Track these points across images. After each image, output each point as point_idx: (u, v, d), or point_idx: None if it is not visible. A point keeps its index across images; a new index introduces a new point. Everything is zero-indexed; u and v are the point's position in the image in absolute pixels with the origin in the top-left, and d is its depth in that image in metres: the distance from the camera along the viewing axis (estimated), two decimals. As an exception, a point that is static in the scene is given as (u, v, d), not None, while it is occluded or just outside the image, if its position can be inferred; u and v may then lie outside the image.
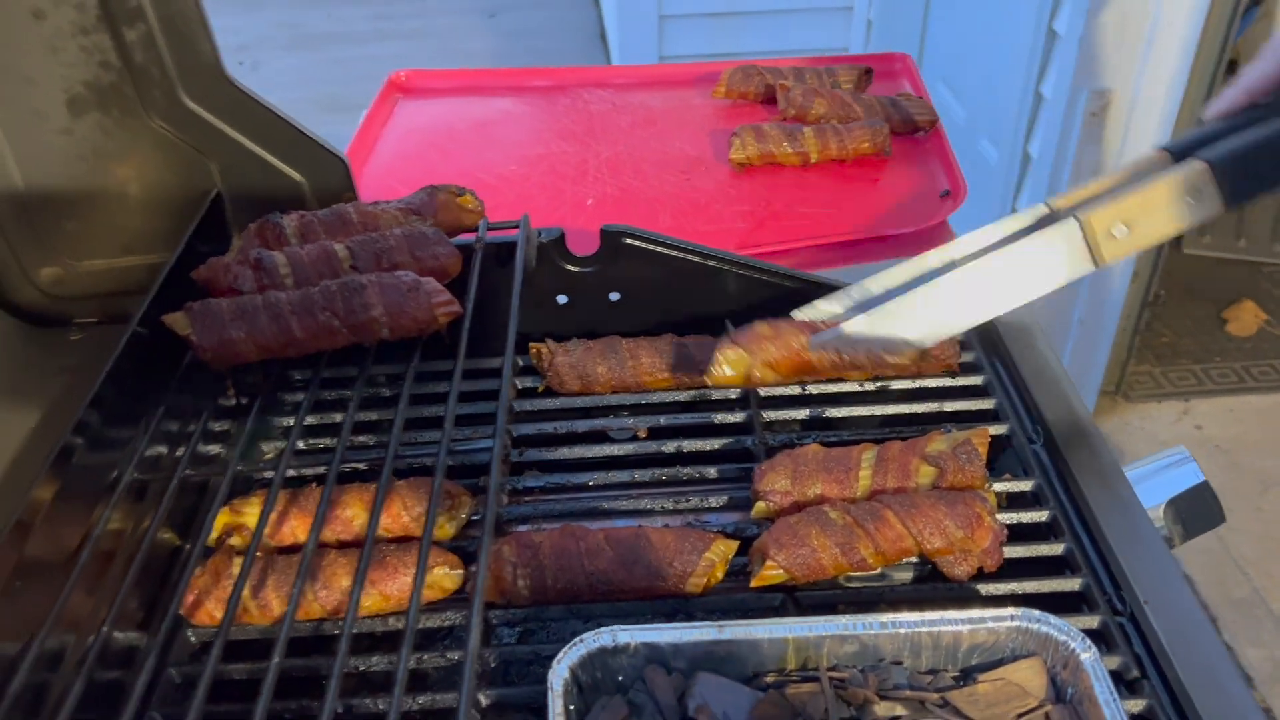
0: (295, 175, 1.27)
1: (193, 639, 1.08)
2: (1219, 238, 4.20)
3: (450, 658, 1.05)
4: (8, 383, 1.31)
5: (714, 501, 1.21)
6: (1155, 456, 1.26)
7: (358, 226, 1.14)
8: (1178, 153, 1.06)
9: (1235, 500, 3.21)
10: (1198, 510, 1.22)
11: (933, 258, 1.14)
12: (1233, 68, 4.21)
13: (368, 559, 0.86)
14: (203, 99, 1.22)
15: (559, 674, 0.92)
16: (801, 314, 1.18)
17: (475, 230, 1.24)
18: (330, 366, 1.12)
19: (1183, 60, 2.73)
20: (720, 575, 1.10)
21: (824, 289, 1.40)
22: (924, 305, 1.09)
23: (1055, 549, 1.12)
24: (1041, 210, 1.11)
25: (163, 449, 1.03)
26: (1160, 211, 1.01)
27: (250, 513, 1.13)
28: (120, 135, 1.24)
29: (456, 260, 1.12)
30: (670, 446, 1.28)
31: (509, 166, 1.81)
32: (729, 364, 1.24)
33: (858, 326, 1.12)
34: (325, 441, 1.13)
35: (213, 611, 1.06)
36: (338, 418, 1.12)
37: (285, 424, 1.16)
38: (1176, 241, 4.19)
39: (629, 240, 1.35)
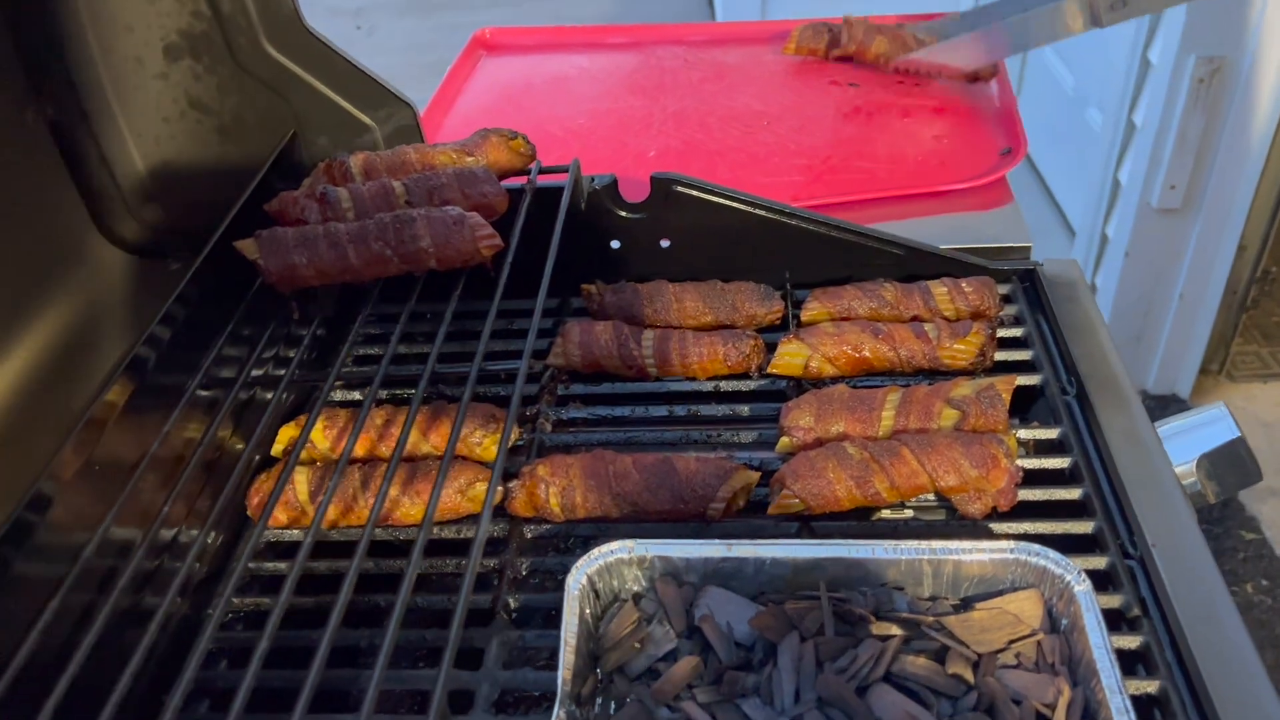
0: (366, 119, 1.36)
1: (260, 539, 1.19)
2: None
3: (485, 564, 1.14)
4: (115, 308, 1.44)
5: (744, 437, 1.26)
6: (1192, 413, 1.26)
7: (415, 165, 1.22)
8: None
9: (1336, 485, 3.09)
10: (1232, 466, 1.22)
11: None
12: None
13: (394, 467, 0.94)
14: (284, 47, 1.32)
15: (577, 580, 0.99)
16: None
17: (526, 174, 1.31)
18: (384, 301, 1.21)
19: (1299, 25, 2.62)
20: (741, 504, 1.15)
21: (872, 240, 1.43)
22: (973, 42, 1.72)
23: (1073, 493, 1.14)
24: None
25: (230, 366, 1.13)
26: None
27: (315, 428, 1.24)
28: (209, 80, 1.34)
29: (503, 198, 1.19)
30: (708, 385, 1.34)
31: (577, 120, 1.88)
32: (790, 355, 1.29)
33: (928, 54, 1.78)
34: (370, 369, 1.22)
35: (275, 514, 1.17)
36: (385, 345, 1.21)
37: (339, 349, 1.26)
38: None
39: (679, 188, 1.40)
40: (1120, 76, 2.99)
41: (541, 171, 1.32)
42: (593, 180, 1.40)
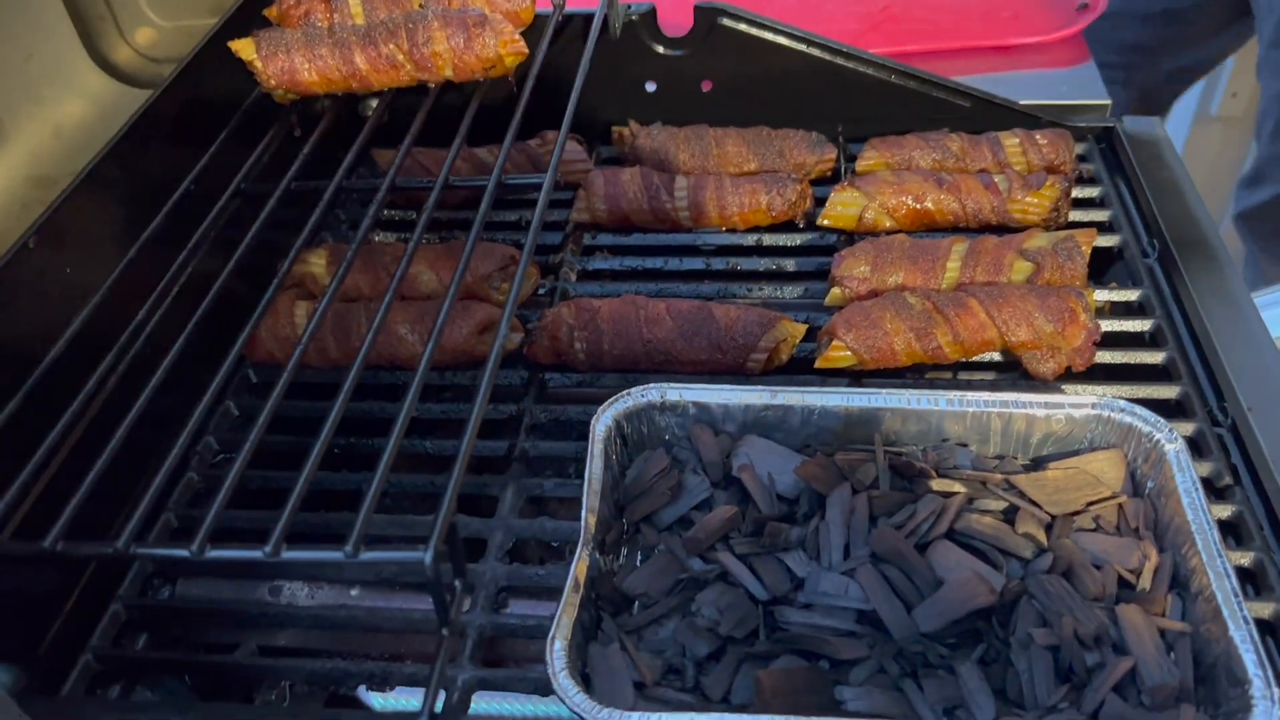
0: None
1: (253, 378, 1.10)
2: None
3: (502, 410, 1.04)
4: (102, 138, 1.33)
5: (788, 293, 1.15)
6: (1287, 282, 1.13)
7: (434, -30, 1.09)
8: None
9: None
10: (1330, 339, 1.10)
11: None
12: None
13: (392, 295, 0.83)
14: None
15: (603, 422, 0.89)
16: None
17: (558, -7, 1.17)
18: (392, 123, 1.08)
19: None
20: (785, 357, 1.05)
21: (941, 89, 1.30)
22: None
23: (1155, 357, 1.03)
24: None
25: (223, 181, 1.01)
26: None
27: (316, 262, 1.13)
28: (210, -121, 1.21)
29: (529, 6, 1.06)
30: (749, 238, 1.22)
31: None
32: (843, 205, 1.17)
33: None
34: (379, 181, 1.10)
35: (270, 349, 1.07)
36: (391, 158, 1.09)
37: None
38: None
39: (725, 21, 1.26)
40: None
41: (574, -11, 1.18)
42: (629, 8, 1.26)
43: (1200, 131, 3.00)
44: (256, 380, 1.09)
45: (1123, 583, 0.79)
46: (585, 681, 0.72)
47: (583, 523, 0.81)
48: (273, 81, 0.98)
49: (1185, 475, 0.82)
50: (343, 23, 1.03)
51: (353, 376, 0.74)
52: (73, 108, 1.31)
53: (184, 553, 0.60)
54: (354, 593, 0.89)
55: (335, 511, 0.93)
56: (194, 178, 0.95)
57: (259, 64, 0.98)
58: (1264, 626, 0.81)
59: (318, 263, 1.13)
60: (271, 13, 1.07)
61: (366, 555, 0.60)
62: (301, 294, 1.10)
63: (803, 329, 1.05)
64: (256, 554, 0.59)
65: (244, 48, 0.99)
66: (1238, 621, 0.71)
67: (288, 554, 0.59)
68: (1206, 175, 2.99)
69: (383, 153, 1.29)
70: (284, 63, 0.98)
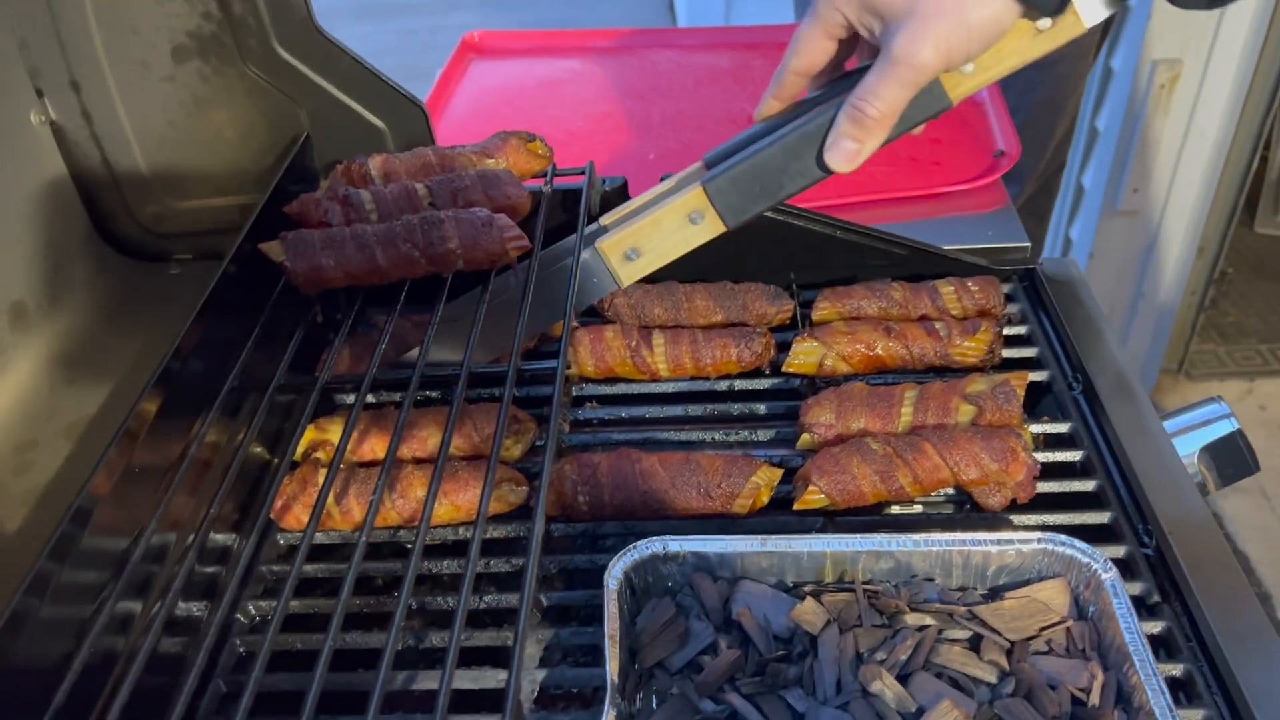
0: (378, 122, 1.35)
1: (281, 541, 1.19)
2: (1293, 218, 4.13)
3: (515, 564, 1.14)
4: (114, 312, 1.42)
5: (762, 435, 1.28)
6: (1193, 407, 1.30)
7: (436, 167, 1.23)
8: (712, 163, 1.08)
9: (1295, 480, 3.18)
10: (1231, 458, 1.26)
11: None
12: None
13: (441, 466, 0.94)
14: (294, 48, 1.31)
15: (614, 576, 1.00)
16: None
17: (543, 176, 1.32)
18: (410, 301, 1.20)
19: (1255, 30, 2.69)
20: (765, 499, 1.17)
21: (878, 240, 1.46)
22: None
23: (1087, 485, 1.17)
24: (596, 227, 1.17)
25: (255, 370, 1.12)
26: (667, 236, 1.08)
27: (334, 429, 1.23)
28: (218, 82, 1.33)
29: (526, 200, 1.19)
30: (723, 384, 1.36)
31: (575, 122, 1.89)
32: (804, 354, 1.31)
33: None
34: (405, 373, 1.21)
35: (299, 515, 1.16)
36: (416, 347, 1.21)
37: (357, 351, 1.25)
38: (1248, 219, 4.12)
39: (688, 189, 1.41)
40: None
41: (556, 174, 1.32)
42: (604, 182, 1.41)
43: (1107, 224, 3.23)
44: (284, 543, 1.19)
45: (1075, 700, 0.92)
46: (624, 823, 0.82)
47: (607, 676, 0.92)
48: (299, 279, 1.10)
49: (1121, 601, 0.95)
50: (359, 219, 1.15)
51: (416, 555, 0.84)
52: (88, 285, 1.41)
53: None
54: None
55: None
56: (236, 376, 1.05)
57: (287, 264, 1.09)
58: (1196, 730, 0.95)
59: (335, 430, 1.23)
60: (292, 209, 1.19)
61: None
62: (325, 460, 1.20)
63: (779, 473, 1.18)
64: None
65: (273, 250, 1.10)
66: (1173, 733, 0.84)
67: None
68: (1115, 264, 3.23)
69: (379, 316, 1.40)
70: (310, 262, 1.09)
